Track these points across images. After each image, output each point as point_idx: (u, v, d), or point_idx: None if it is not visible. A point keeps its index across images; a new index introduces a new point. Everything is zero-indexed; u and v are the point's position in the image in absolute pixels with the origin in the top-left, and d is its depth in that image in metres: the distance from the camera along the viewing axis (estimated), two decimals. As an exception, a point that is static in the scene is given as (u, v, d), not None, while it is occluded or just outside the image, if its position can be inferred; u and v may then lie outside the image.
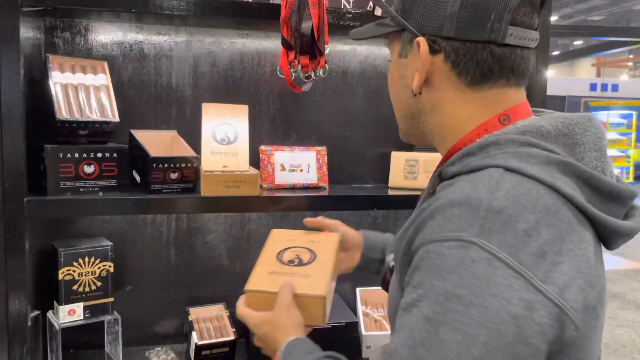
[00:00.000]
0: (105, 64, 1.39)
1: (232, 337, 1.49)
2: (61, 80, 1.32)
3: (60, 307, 1.36)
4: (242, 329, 1.58)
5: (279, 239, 1.07)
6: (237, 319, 0.93)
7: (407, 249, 0.68)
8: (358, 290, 1.67)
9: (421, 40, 0.72)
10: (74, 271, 1.37)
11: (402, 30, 0.76)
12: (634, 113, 12.21)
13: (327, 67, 1.31)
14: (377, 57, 1.66)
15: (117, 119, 1.33)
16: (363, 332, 1.55)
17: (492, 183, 0.63)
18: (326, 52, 1.29)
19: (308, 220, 1.10)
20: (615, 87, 15.27)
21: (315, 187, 1.56)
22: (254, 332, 0.90)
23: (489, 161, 0.67)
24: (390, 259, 0.89)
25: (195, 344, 1.44)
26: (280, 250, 1.02)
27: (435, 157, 1.54)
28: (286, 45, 1.28)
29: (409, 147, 1.67)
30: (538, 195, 0.63)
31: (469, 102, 0.74)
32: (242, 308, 0.91)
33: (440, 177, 0.72)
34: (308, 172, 1.56)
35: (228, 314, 1.56)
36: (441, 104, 0.76)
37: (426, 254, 0.63)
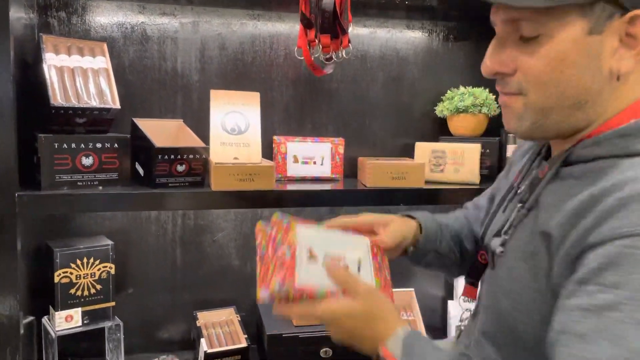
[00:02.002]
0: (105, 46, 1.27)
1: (244, 344, 1.36)
2: (56, 62, 1.19)
3: (57, 312, 1.24)
4: (255, 335, 1.46)
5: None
6: (278, 316, 0.80)
7: (580, 239, 0.62)
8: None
9: None
10: (71, 273, 1.25)
11: (592, 3, 0.65)
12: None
13: (350, 47, 1.18)
14: (398, 40, 1.54)
15: (117, 106, 1.21)
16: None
17: None
18: (349, 30, 1.17)
19: (337, 224, 0.91)
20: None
21: (329, 180, 1.44)
22: (339, 325, 0.76)
23: None
24: (496, 243, 0.77)
25: (205, 352, 1.32)
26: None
27: (464, 148, 1.42)
28: (306, 22, 1.16)
29: (434, 138, 1.55)
30: None
31: None
32: (326, 303, 0.75)
33: (566, 159, 0.72)
34: (322, 164, 1.45)
35: (239, 318, 1.44)
36: (636, 85, 0.68)
37: (624, 250, 0.57)
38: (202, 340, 1.34)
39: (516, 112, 0.72)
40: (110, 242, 1.30)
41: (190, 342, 1.47)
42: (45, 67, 1.17)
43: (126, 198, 1.18)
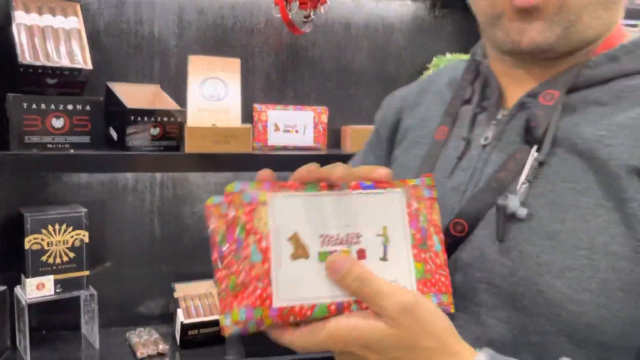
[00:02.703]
0: (78, 6, 1.23)
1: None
2: (26, 21, 1.16)
3: (28, 280, 1.20)
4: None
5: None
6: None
7: None
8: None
9: None
10: (42, 240, 1.21)
11: None
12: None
13: (328, 3, 1.15)
14: (383, 7, 1.50)
15: (89, 67, 1.18)
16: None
17: None
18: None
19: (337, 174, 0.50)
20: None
21: (311, 149, 1.40)
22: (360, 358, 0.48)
23: None
24: (513, 203, 0.54)
25: (181, 322, 1.28)
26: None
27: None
28: (281, -23, 1.12)
29: (419, 107, 1.52)
30: None
31: None
32: (332, 326, 0.46)
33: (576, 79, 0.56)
34: (304, 133, 1.41)
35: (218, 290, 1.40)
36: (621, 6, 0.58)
37: None
38: (179, 311, 1.30)
39: (549, 15, 0.53)
40: (83, 209, 1.27)
41: (168, 316, 1.43)
42: (14, 25, 1.14)
43: (98, 159, 1.14)
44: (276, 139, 1.39)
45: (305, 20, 1.18)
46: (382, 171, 0.50)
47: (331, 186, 0.49)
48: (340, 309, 0.46)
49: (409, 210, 0.51)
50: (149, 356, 1.25)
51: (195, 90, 1.27)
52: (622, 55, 0.55)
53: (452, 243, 0.57)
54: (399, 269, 0.50)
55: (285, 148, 1.39)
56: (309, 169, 0.49)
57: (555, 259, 0.51)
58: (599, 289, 0.49)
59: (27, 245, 1.20)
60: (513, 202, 0.53)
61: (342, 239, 0.49)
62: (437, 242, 0.52)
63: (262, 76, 1.44)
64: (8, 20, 1.16)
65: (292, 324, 0.46)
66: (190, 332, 1.29)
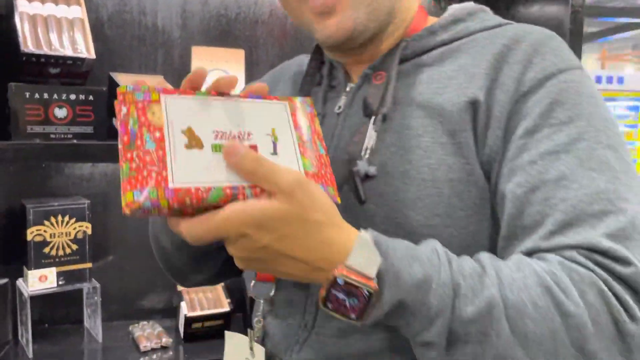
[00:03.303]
0: (81, -5, 1.22)
1: (226, 309, 1.32)
2: (28, 10, 1.15)
3: (30, 272, 1.19)
4: (239, 301, 1.41)
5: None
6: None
7: (509, 92, 0.59)
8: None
9: None
10: (44, 231, 1.20)
11: None
12: (641, 105, 12.04)
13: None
14: (388, -1, 1.49)
15: (92, 56, 1.16)
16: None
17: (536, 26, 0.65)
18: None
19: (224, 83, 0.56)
20: (620, 80, 15.06)
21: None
22: (251, 241, 0.48)
23: (495, 21, 0.67)
24: (363, 165, 0.62)
25: (185, 315, 1.27)
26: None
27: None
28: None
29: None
30: None
31: None
32: (227, 209, 0.47)
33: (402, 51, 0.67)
34: None
35: (222, 284, 1.38)
36: None
37: (562, 85, 0.58)
38: (182, 304, 1.29)
39: (347, 3, 0.62)
40: (86, 201, 1.26)
41: (172, 310, 1.42)
42: (16, 14, 1.13)
43: (102, 149, 1.12)
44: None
45: (310, 9, 1.17)
46: (260, 84, 0.58)
47: (221, 94, 0.54)
48: (235, 194, 0.48)
49: (294, 119, 0.58)
50: (152, 349, 1.24)
51: (198, 82, 1.26)
52: (439, 29, 0.67)
53: None
54: (288, 162, 0.54)
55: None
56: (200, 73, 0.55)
57: (408, 194, 0.60)
58: (446, 213, 0.58)
59: (29, 237, 1.18)
60: (363, 166, 0.62)
61: (235, 135, 0.52)
62: (320, 147, 0.58)
63: (266, 67, 1.43)
64: (10, 8, 1.15)
65: (189, 212, 0.48)
66: (194, 325, 1.27)
